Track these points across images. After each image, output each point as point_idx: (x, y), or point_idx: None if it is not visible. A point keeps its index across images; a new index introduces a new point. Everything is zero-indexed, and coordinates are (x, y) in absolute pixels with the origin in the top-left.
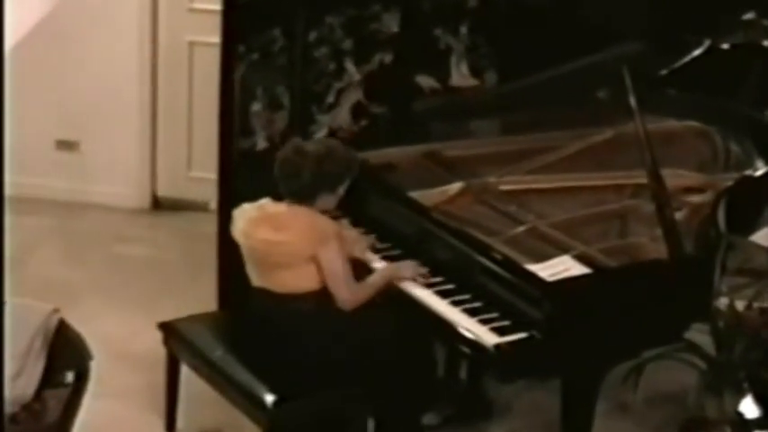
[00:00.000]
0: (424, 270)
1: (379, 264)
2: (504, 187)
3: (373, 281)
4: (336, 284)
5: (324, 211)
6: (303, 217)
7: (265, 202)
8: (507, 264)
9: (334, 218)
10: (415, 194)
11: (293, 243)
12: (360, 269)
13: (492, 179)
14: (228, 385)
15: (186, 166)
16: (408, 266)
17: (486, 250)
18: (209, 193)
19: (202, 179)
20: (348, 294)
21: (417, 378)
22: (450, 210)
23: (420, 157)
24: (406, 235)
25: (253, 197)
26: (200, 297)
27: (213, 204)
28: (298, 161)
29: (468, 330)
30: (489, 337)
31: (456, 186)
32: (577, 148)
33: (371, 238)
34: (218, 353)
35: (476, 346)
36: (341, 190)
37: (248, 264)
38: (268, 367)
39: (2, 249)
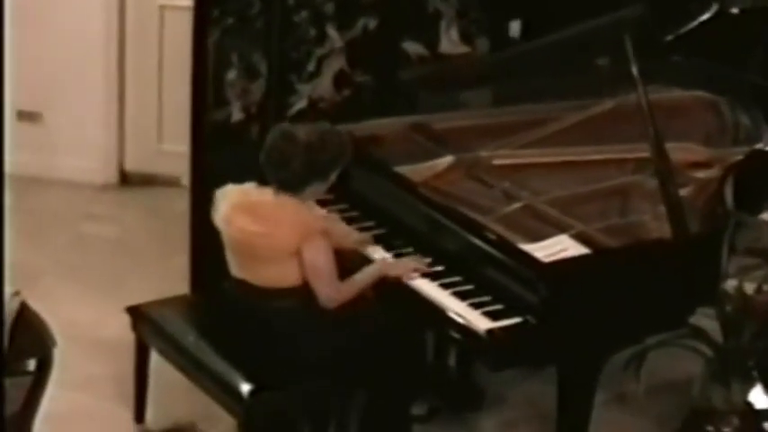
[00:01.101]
0: (420, 265)
1: (377, 254)
2: (496, 162)
3: (360, 279)
4: (318, 282)
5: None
6: (289, 210)
7: (250, 186)
8: (500, 244)
9: (324, 202)
10: (401, 170)
11: (276, 237)
12: (348, 263)
13: (484, 153)
14: (201, 374)
15: (156, 138)
16: (401, 265)
17: (477, 229)
18: (180, 167)
19: (173, 152)
20: (330, 292)
21: (404, 366)
22: (439, 186)
23: (407, 129)
24: (391, 213)
25: (227, 172)
26: (172, 279)
27: (185, 179)
28: (287, 149)
29: (459, 315)
30: (481, 322)
31: (445, 161)
32: (575, 120)
33: (368, 235)
34: (190, 339)
35: (466, 331)
36: (332, 177)
37: (227, 252)
38: (244, 355)
39: (2, 245)
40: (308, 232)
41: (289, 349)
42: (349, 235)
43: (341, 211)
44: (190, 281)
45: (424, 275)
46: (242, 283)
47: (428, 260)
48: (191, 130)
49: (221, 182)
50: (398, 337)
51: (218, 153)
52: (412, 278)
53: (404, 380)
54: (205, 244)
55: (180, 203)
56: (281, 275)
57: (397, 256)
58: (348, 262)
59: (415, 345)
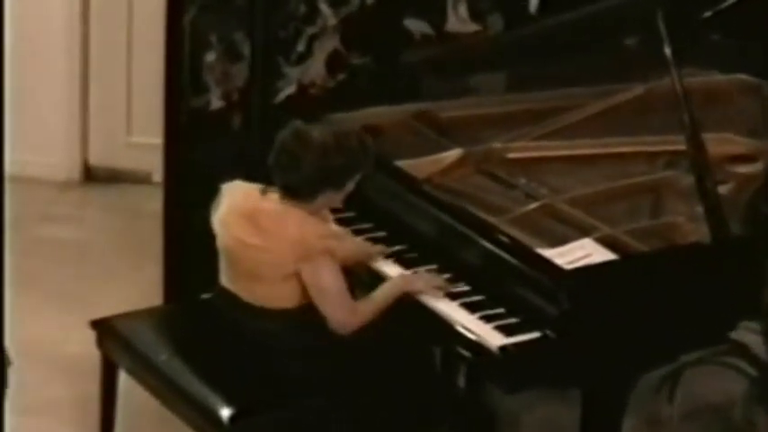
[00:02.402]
0: (442, 280)
1: (389, 269)
2: (511, 155)
3: (378, 296)
4: (327, 305)
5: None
6: (292, 224)
7: (255, 189)
8: (515, 248)
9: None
10: (403, 164)
11: (272, 253)
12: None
13: (497, 145)
14: (176, 396)
15: (125, 129)
16: (424, 277)
17: (489, 232)
18: (152, 161)
19: (144, 145)
20: (344, 315)
21: (406, 388)
22: (445, 182)
23: (410, 118)
24: (392, 213)
25: (205, 167)
26: (143, 288)
27: (157, 176)
28: (297, 150)
29: (468, 329)
30: (493, 338)
31: (453, 154)
32: (601, 107)
33: (379, 248)
34: (163, 357)
35: (477, 348)
36: (348, 186)
37: (220, 258)
38: (225, 375)
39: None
40: (307, 253)
41: (276, 369)
42: (359, 252)
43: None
44: (163, 291)
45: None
46: (230, 296)
47: (432, 266)
48: (164, 120)
49: (198, 178)
50: (400, 354)
51: (196, 146)
52: (435, 296)
53: (407, 404)
54: (180, 249)
55: (152, 203)
56: (273, 295)
57: (400, 262)
58: (354, 279)
59: (419, 363)
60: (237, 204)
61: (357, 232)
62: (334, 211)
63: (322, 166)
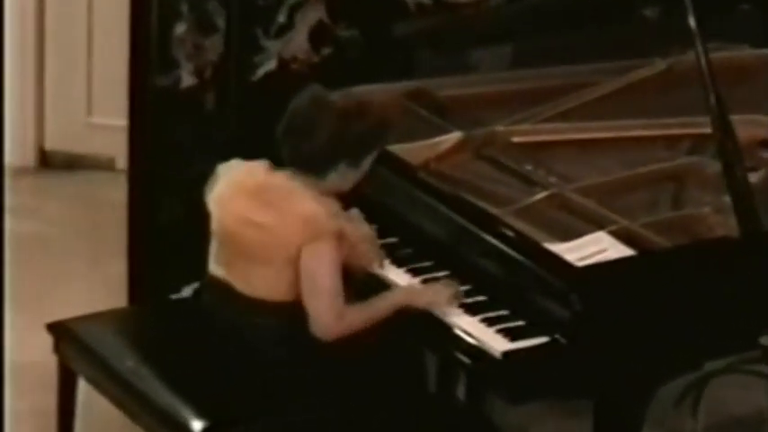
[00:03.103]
0: (455, 291)
1: (398, 277)
2: (516, 139)
3: (373, 306)
4: (314, 300)
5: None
6: (303, 200)
7: (260, 165)
8: (520, 243)
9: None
10: (395, 149)
11: (277, 231)
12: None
13: (500, 128)
14: (142, 407)
15: (85, 109)
16: (434, 295)
17: (491, 225)
18: (115, 146)
19: (106, 127)
20: (331, 318)
21: (398, 401)
22: (442, 169)
23: (403, 97)
24: (382, 204)
25: (175, 151)
26: (105, 287)
27: (121, 161)
28: (314, 113)
29: (468, 333)
30: (496, 343)
31: (452, 138)
32: (616, 86)
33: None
34: (128, 363)
35: (478, 354)
36: (365, 164)
37: (213, 242)
38: (196, 383)
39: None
40: (318, 233)
41: (254, 377)
42: (370, 240)
43: None
44: (127, 290)
45: (425, 283)
46: (220, 285)
47: (428, 263)
48: (128, 100)
49: (167, 165)
50: (391, 362)
51: (164, 128)
52: (447, 312)
53: (399, 418)
54: (147, 243)
55: (115, 191)
56: (272, 282)
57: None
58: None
59: (412, 372)
60: (239, 180)
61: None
62: None
63: (339, 132)
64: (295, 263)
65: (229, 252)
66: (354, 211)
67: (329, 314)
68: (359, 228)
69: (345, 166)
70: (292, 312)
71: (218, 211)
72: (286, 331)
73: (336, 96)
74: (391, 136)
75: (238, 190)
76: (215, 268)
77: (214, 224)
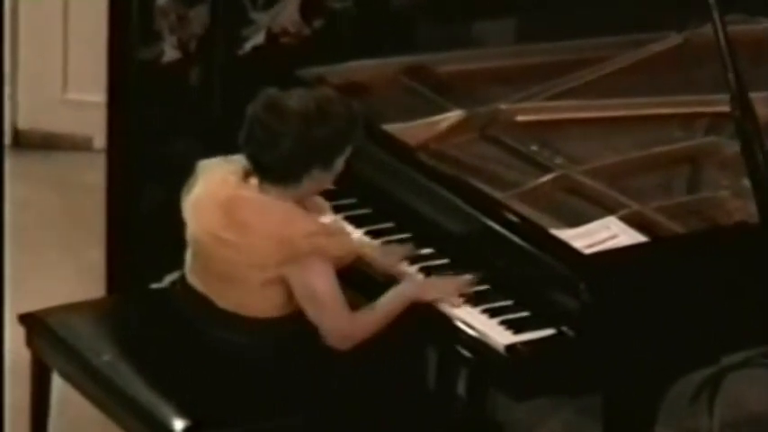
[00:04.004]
0: (464, 285)
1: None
2: (521, 118)
3: (382, 306)
4: (325, 314)
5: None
6: (275, 218)
7: (235, 170)
8: (526, 229)
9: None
10: (392, 128)
11: (249, 253)
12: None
13: (504, 106)
14: (120, 405)
15: (60, 85)
16: (443, 286)
17: (494, 209)
18: (93, 124)
19: (83, 104)
20: (344, 325)
21: (395, 398)
22: (443, 150)
23: (400, 74)
24: (378, 188)
25: (156, 130)
26: (81, 276)
27: (99, 141)
28: (274, 124)
29: (470, 325)
30: (499, 336)
31: (452, 116)
32: (629, 61)
33: (403, 247)
34: (105, 358)
35: (480, 347)
36: (339, 163)
37: (189, 250)
38: (178, 380)
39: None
40: (293, 254)
41: (241, 375)
42: (355, 252)
43: None
44: (105, 279)
45: (424, 271)
46: (194, 294)
47: (428, 250)
48: (107, 75)
49: (148, 145)
50: (387, 356)
51: (145, 105)
52: (454, 304)
53: (396, 417)
54: (127, 229)
55: (92, 173)
56: (250, 302)
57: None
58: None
59: (410, 367)
60: (213, 190)
61: (336, 209)
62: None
63: (305, 139)
64: (275, 282)
65: (203, 266)
66: (337, 220)
67: (341, 323)
68: (340, 241)
69: (319, 170)
70: (269, 330)
71: (190, 219)
72: (274, 332)
73: (294, 100)
74: (358, 133)
75: (211, 201)
76: (191, 278)
77: (189, 234)
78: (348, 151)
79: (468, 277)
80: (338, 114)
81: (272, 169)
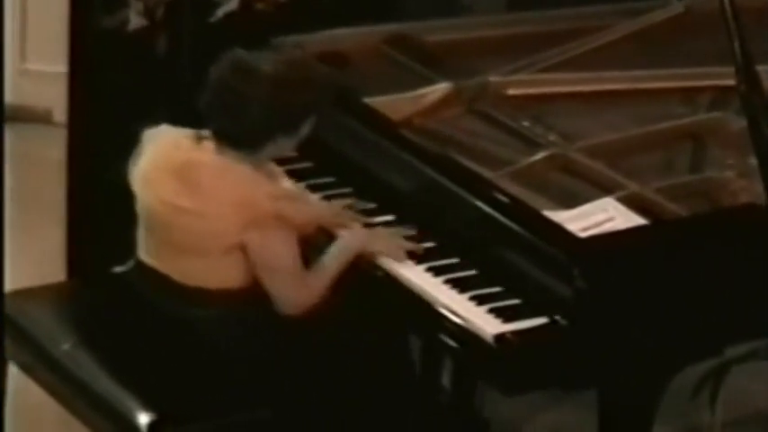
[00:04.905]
0: (409, 244)
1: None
2: (512, 91)
3: (328, 264)
4: (278, 283)
5: None
6: (232, 181)
7: (187, 135)
8: (516, 210)
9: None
10: (374, 102)
11: (209, 219)
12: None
13: (494, 78)
14: (81, 397)
15: (18, 54)
16: (386, 239)
17: (483, 189)
18: (53, 96)
19: (43, 74)
20: (297, 294)
21: (374, 392)
22: (428, 126)
23: (382, 43)
24: (359, 165)
25: (121, 103)
26: (40, 257)
27: (59, 114)
28: (242, 87)
29: (455, 313)
30: (487, 324)
31: (439, 89)
32: (627, 31)
33: (342, 209)
34: (65, 347)
35: (466, 336)
36: (304, 130)
37: (140, 227)
38: (143, 372)
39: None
40: (256, 218)
41: (208, 361)
42: (321, 218)
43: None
44: (66, 261)
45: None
46: (151, 273)
47: (411, 233)
48: (68, 44)
49: (112, 118)
50: (366, 347)
51: (108, 76)
52: (399, 260)
53: (374, 413)
54: (88, 208)
55: (52, 148)
56: (211, 273)
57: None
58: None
59: (390, 358)
60: (164, 156)
61: (315, 188)
62: (282, 162)
63: (274, 105)
64: (236, 249)
65: (157, 240)
66: (295, 188)
67: (295, 292)
68: (301, 207)
69: (283, 137)
70: (241, 299)
71: (141, 191)
72: (240, 316)
73: (263, 63)
74: (333, 96)
75: (163, 169)
76: (146, 257)
77: (139, 206)
78: (315, 118)
79: (407, 232)
80: (311, 80)
81: (235, 134)
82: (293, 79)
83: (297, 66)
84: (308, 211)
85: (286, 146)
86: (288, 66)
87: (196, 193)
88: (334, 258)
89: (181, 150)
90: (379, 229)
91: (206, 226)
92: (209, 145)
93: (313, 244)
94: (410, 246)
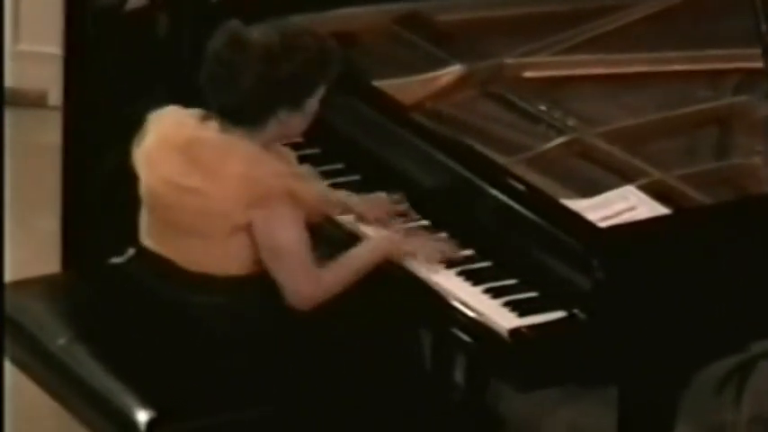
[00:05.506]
0: (447, 248)
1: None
2: (528, 74)
3: (352, 261)
4: (285, 268)
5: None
6: (237, 158)
7: (193, 115)
8: (533, 198)
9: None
10: (383, 84)
11: (213, 198)
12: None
13: (509, 60)
14: (77, 394)
15: (11, 35)
16: (422, 242)
17: (498, 176)
18: (47, 78)
19: (37, 56)
20: (305, 284)
21: (384, 388)
22: (441, 109)
23: (392, 23)
24: (368, 151)
25: (120, 85)
26: (34, 248)
27: (55, 97)
28: (235, 59)
29: (469, 306)
30: (502, 318)
31: (451, 72)
32: (650, 10)
33: (375, 198)
34: (61, 342)
35: (480, 330)
36: (311, 105)
37: (143, 210)
38: (142, 367)
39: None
40: (263, 196)
41: (211, 361)
42: (330, 201)
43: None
44: (61, 251)
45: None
46: (154, 258)
47: (424, 222)
48: (63, 23)
49: (109, 101)
50: (376, 342)
51: (105, 57)
52: (434, 265)
53: (384, 410)
54: (85, 195)
55: (48, 133)
56: (212, 256)
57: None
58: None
59: (401, 354)
60: (168, 134)
61: (322, 175)
62: (293, 147)
63: (267, 76)
64: (242, 232)
65: (160, 221)
66: (305, 168)
67: (302, 281)
68: (312, 187)
69: (286, 111)
70: (247, 287)
71: (145, 172)
72: (244, 306)
73: (257, 34)
74: (339, 68)
75: (167, 148)
76: (148, 241)
77: (143, 187)
78: (320, 92)
79: (449, 242)
80: (306, 49)
81: (235, 109)
82: (285, 48)
83: (290, 35)
84: (316, 191)
85: (292, 123)
86: (282, 37)
87: (201, 170)
88: (357, 257)
89: (185, 128)
90: (414, 236)
91: (210, 205)
92: (214, 124)
93: (320, 235)
94: (450, 251)
